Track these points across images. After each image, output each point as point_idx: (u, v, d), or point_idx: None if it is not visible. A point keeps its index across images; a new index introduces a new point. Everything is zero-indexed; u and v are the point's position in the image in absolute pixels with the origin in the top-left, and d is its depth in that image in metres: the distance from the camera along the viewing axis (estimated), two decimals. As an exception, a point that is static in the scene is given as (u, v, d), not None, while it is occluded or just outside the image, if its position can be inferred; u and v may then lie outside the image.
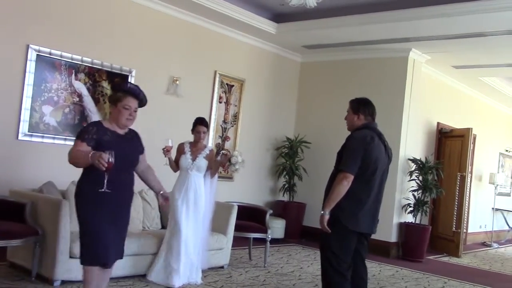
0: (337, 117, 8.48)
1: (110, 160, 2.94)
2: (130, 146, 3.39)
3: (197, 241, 4.97)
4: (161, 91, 6.77)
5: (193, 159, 5.00)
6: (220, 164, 5.16)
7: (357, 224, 3.64)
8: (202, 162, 5.02)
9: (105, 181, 3.01)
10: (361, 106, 3.82)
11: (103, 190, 3.02)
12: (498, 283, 6.80)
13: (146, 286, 4.70)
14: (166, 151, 4.87)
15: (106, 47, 6.16)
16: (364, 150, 3.60)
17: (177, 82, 6.89)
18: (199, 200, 4.97)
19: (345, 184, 3.54)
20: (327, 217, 3.56)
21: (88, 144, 3.15)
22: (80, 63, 5.87)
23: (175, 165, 5.09)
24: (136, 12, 6.46)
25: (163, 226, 5.63)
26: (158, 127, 6.68)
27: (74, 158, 3.15)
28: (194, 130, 5.12)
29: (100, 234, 3.20)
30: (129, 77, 6.34)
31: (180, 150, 5.11)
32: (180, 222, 4.83)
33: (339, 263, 3.63)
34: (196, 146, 5.08)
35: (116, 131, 3.33)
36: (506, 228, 12.18)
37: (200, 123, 5.10)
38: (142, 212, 5.44)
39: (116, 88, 3.53)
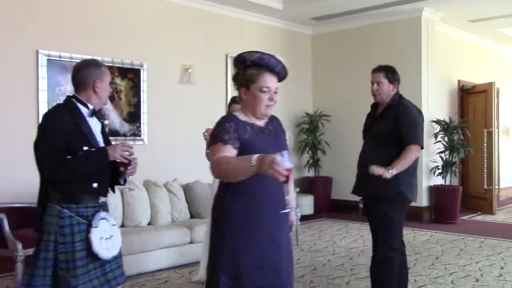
0: (355, 87, 8.38)
1: (287, 165, 2.02)
2: (276, 142, 2.47)
3: None
4: (175, 81, 6.73)
5: None
6: None
7: (415, 196, 3.59)
8: None
9: (286, 197, 2.19)
10: (396, 75, 3.67)
11: (283, 211, 2.25)
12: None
13: (181, 277, 4.73)
14: (209, 134, 4.40)
15: (115, 43, 6.13)
16: (421, 121, 3.61)
17: (190, 70, 6.84)
18: None
19: (416, 158, 3.48)
20: (393, 173, 3.30)
21: (234, 147, 2.28)
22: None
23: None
24: (140, 4, 6.39)
25: (192, 216, 5.64)
26: (175, 118, 6.67)
27: (229, 171, 2.20)
28: (229, 110, 4.61)
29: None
30: (141, 71, 6.31)
31: None
32: None
33: (399, 238, 3.53)
34: None
35: (255, 123, 2.45)
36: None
37: (237, 102, 4.63)
38: (169, 204, 5.45)
39: (242, 62, 2.43)
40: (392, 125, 3.54)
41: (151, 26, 6.49)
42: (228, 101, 7.47)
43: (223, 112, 7.37)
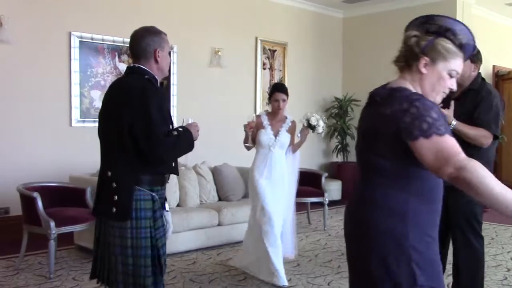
0: (385, 71, 8.19)
1: None
2: None
3: (287, 226, 4.41)
4: (205, 64, 6.73)
5: (275, 134, 4.25)
6: (305, 139, 4.49)
7: None
8: (285, 137, 4.29)
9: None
10: (478, 54, 3.22)
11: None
12: None
13: (209, 259, 4.77)
14: (250, 128, 4.11)
15: (145, 25, 6.14)
16: (502, 110, 3.23)
17: (219, 53, 6.82)
18: (284, 181, 4.30)
19: (491, 150, 3.20)
20: (453, 124, 3.03)
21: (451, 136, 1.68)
22: (122, 44, 5.88)
23: (252, 141, 4.29)
24: (171, -14, 6.39)
25: (220, 199, 5.67)
26: (204, 101, 6.68)
27: (491, 197, 1.57)
28: (271, 98, 4.31)
29: None
30: (171, 53, 6.32)
31: (258, 123, 4.26)
32: (267, 207, 4.10)
33: (480, 228, 3.37)
34: (275, 117, 4.30)
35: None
36: None
37: (279, 90, 4.28)
38: (198, 186, 5.48)
39: (438, 29, 1.93)
40: (472, 112, 3.17)
41: (181, 9, 6.48)
42: (258, 84, 7.45)
43: (251, 95, 7.43)
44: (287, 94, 4.33)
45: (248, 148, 4.36)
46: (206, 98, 6.71)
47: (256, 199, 4.20)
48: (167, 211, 2.58)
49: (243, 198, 5.75)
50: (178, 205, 5.26)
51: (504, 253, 5.11)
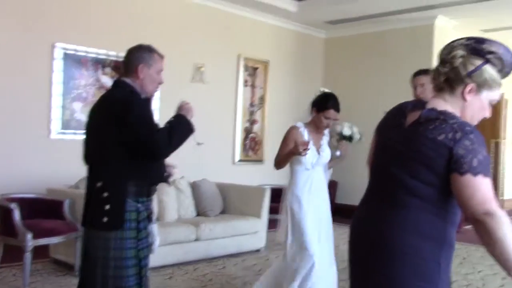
0: (366, 92, 8.41)
1: None
2: None
3: (332, 262, 3.69)
4: (187, 79, 6.79)
5: (318, 150, 3.65)
6: (346, 154, 3.93)
7: None
8: (327, 152, 3.73)
9: None
10: None
11: None
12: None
13: (186, 274, 4.79)
14: (304, 150, 3.39)
15: (129, 39, 6.08)
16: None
17: (202, 69, 6.90)
18: (327, 205, 3.75)
19: None
20: None
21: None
22: (106, 57, 5.92)
23: (284, 159, 3.61)
24: (155, 1, 6.45)
25: (198, 214, 5.69)
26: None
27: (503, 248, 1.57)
28: (320, 112, 3.60)
29: None
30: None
31: (295, 137, 3.59)
32: (310, 242, 3.49)
33: None
34: (316, 130, 3.67)
35: None
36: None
37: (335, 107, 3.61)
38: (176, 201, 5.51)
39: (485, 53, 1.79)
40: None
41: (165, 23, 6.55)
42: (239, 101, 7.45)
43: (232, 111, 7.50)
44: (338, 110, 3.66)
45: (280, 166, 3.71)
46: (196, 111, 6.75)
47: (297, 232, 3.55)
48: (154, 223, 2.62)
49: (221, 214, 5.79)
50: (156, 219, 5.27)
51: (475, 273, 5.23)
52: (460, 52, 1.78)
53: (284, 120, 8.24)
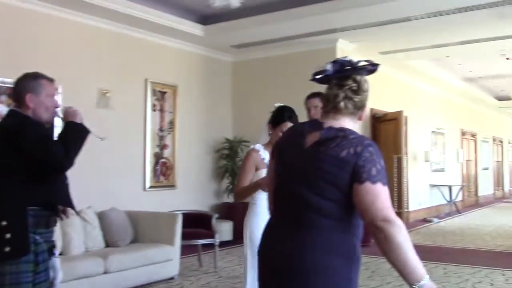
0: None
1: None
2: None
3: None
4: (91, 105, 6.55)
5: None
6: None
7: None
8: None
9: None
10: None
11: None
12: (443, 256, 7.06)
13: (95, 309, 4.55)
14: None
15: (27, 65, 5.80)
16: None
17: (108, 94, 6.70)
18: None
19: None
20: None
21: None
22: (2, 84, 5.58)
23: (248, 192, 3.20)
24: (56, 26, 6.21)
25: (107, 245, 5.46)
26: (90, 142, 6.46)
27: (400, 252, 1.71)
28: (276, 125, 3.25)
29: None
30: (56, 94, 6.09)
31: (256, 161, 3.22)
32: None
33: None
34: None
35: None
36: (444, 202, 12.71)
37: (289, 116, 3.27)
38: (83, 232, 5.25)
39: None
40: None
41: (67, 49, 6.31)
42: (148, 126, 7.30)
43: (141, 137, 7.33)
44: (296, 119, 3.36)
45: (245, 196, 3.31)
46: (92, 140, 6.49)
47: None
48: (56, 257, 2.53)
49: (131, 243, 5.60)
50: (61, 253, 4.98)
51: (383, 285, 5.43)
52: (367, 85, 1.97)
53: (196, 144, 8.21)
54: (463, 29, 7.57)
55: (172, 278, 5.62)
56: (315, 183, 1.79)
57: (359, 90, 1.90)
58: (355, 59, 1.95)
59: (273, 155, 2.02)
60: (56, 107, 2.63)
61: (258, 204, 3.19)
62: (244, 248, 3.33)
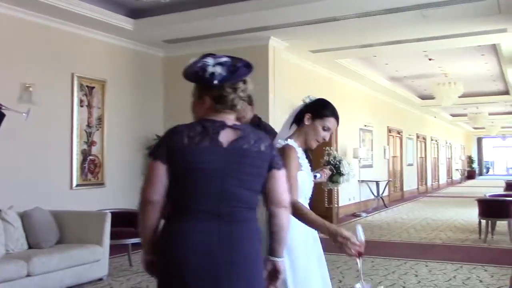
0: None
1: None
2: None
3: None
4: (13, 100, 6.21)
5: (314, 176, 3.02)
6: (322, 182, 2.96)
7: None
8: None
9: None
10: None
11: None
12: (371, 249, 7.22)
13: (17, 314, 4.32)
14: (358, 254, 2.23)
15: None
16: None
17: (31, 89, 6.37)
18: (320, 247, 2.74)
19: None
20: None
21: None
22: None
23: (315, 222, 2.44)
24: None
25: (30, 246, 5.20)
26: (12, 139, 6.14)
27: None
28: (317, 121, 2.65)
29: None
30: (-27, 88, 5.73)
31: (297, 162, 2.58)
32: None
33: None
34: (304, 146, 2.70)
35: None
36: (372, 197, 13.16)
37: (337, 117, 2.72)
38: (3, 234, 4.97)
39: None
40: None
41: (-15, 40, 5.95)
42: (75, 122, 6.98)
43: (67, 133, 7.04)
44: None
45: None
46: (14, 136, 6.18)
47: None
48: None
49: (57, 244, 5.37)
50: (-21, 257, 4.70)
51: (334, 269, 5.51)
52: (251, 85, 2.18)
53: (125, 141, 8.00)
54: (389, 30, 7.84)
55: (101, 279, 5.45)
56: (245, 178, 1.98)
57: (247, 90, 2.10)
58: (233, 62, 2.14)
59: (167, 159, 1.99)
60: None
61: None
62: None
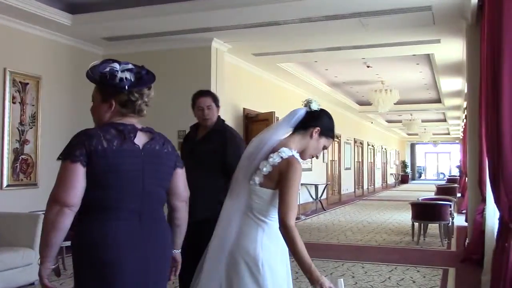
0: (147, 110, 8.32)
1: None
2: None
3: None
4: None
5: None
6: None
7: None
8: None
9: None
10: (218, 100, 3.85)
11: None
12: (309, 251, 7.35)
13: None
14: None
15: None
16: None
17: (-42, 82, 6.03)
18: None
19: None
20: None
21: None
22: None
23: (302, 256, 2.31)
24: None
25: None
26: None
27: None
28: (325, 135, 2.55)
29: None
30: None
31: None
32: None
33: None
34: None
35: None
36: (310, 200, 13.37)
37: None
38: None
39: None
40: (219, 149, 3.51)
41: None
42: (6, 120, 6.66)
43: (-1, 132, 6.70)
44: None
45: None
46: None
47: None
48: None
49: (-15, 247, 5.10)
50: None
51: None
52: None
53: (61, 140, 7.67)
54: (329, 36, 8.00)
55: (32, 284, 5.22)
56: (161, 177, 2.19)
57: (150, 96, 2.25)
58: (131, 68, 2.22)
59: (86, 161, 2.03)
60: None
61: (274, 223, 2.34)
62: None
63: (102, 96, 2.21)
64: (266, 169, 2.31)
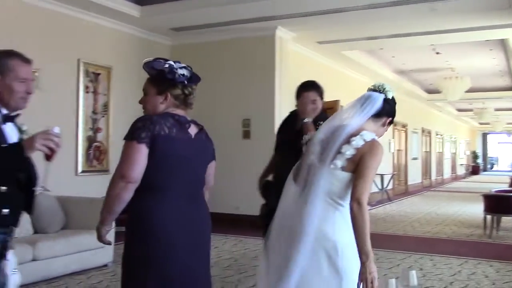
0: (213, 99, 8.48)
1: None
2: None
3: None
4: (19, 85, 6.21)
5: None
6: None
7: None
8: None
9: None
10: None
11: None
12: (375, 242, 7.18)
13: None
14: None
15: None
16: None
17: (37, 73, 6.36)
18: None
19: None
20: None
21: None
22: None
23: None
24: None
25: (36, 231, 5.21)
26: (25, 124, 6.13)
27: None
28: (386, 128, 2.63)
29: None
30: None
31: None
32: None
33: None
34: None
35: None
36: (376, 190, 13.14)
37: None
38: (9, 218, 4.98)
39: None
40: None
41: (-8, 24, 5.93)
42: (81, 108, 6.96)
43: (73, 119, 7.02)
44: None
45: None
46: (20, 122, 6.16)
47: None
48: (7, 260, 2.23)
49: (62, 230, 5.38)
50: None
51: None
52: None
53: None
54: (396, 22, 7.79)
55: (105, 265, 5.46)
56: (205, 165, 2.45)
57: (195, 92, 2.46)
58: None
59: (150, 144, 2.25)
60: (29, 93, 2.30)
61: (347, 208, 2.33)
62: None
63: (158, 89, 2.41)
64: (349, 152, 2.32)
